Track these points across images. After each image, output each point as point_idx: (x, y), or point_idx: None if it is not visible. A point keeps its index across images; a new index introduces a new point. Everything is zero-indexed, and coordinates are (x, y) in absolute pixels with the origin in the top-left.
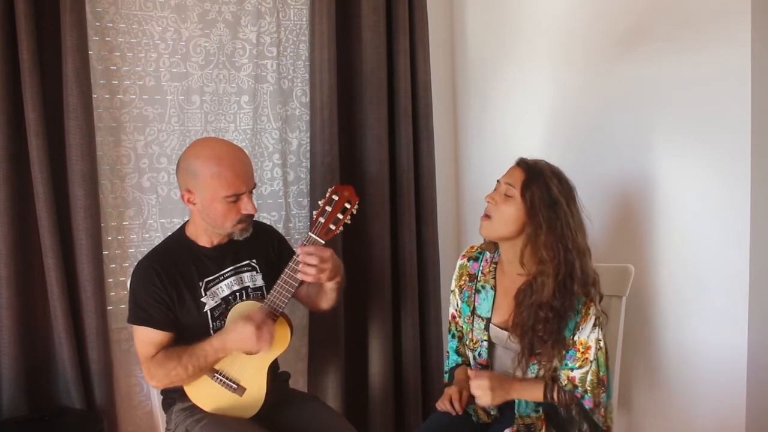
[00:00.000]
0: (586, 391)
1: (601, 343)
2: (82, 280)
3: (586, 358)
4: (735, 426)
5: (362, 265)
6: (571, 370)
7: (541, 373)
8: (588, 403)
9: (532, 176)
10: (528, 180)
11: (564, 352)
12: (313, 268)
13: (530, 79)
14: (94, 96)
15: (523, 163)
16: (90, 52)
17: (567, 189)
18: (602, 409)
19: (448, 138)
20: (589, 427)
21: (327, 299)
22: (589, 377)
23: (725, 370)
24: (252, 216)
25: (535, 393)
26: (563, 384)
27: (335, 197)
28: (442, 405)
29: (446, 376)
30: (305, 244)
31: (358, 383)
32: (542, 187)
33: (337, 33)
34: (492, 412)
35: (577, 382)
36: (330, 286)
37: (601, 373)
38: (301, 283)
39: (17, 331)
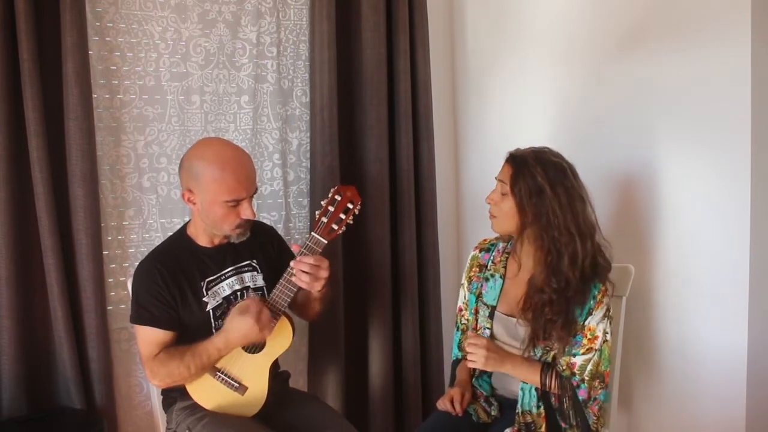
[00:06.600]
0: (583, 380)
1: (608, 336)
2: (82, 280)
3: (591, 347)
4: (735, 426)
5: (362, 265)
6: (573, 356)
7: (548, 357)
8: (582, 394)
9: (517, 170)
10: (515, 175)
11: (573, 336)
12: (307, 275)
13: (530, 79)
14: (94, 96)
15: (510, 158)
16: (90, 52)
17: (553, 173)
18: (596, 406)
19: (448, 138)
20: (580, 422)
21: (310, 309)
22: (589, 366)
23: (725, 370)
24: (250, 221)
25: (528, 373)
26: (561, 369)
27: (338, 197)
28: (443, 404)
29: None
30: (308, 244)
31: (358, 383)
32: (527, 179)
33: (337, 33)
34: (492, 413)
35: (576, 369)
36: (315, 296)
37: (602, 367)
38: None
39: (17, 331)
